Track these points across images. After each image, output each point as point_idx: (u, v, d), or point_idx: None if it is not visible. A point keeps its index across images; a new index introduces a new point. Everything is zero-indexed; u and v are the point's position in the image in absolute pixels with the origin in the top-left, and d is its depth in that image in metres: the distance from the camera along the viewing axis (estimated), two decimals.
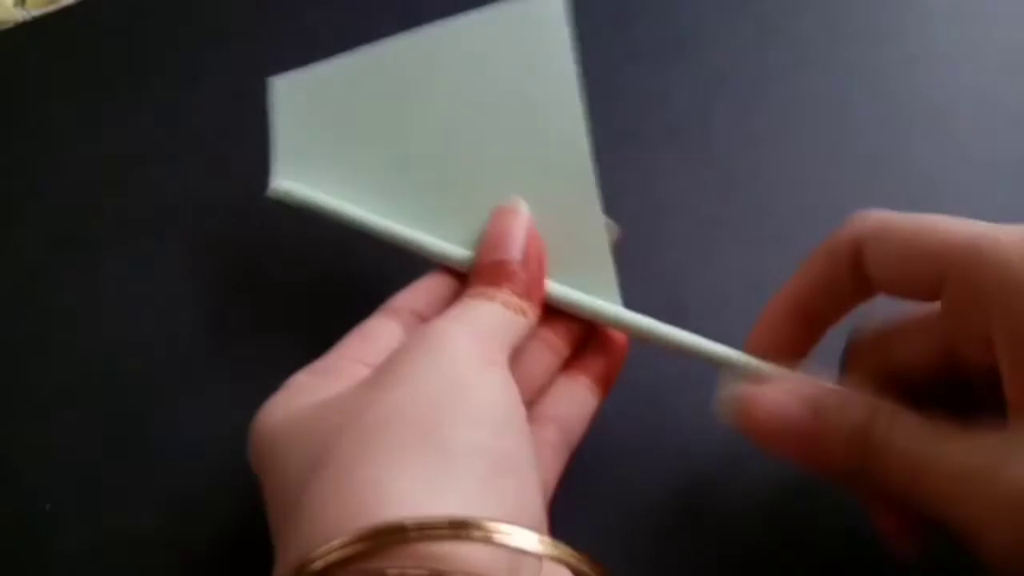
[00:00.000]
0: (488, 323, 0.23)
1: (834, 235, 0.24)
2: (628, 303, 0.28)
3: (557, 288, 0.25)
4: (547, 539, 0.18)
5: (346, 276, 0.32)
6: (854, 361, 0.24)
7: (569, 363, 0.26)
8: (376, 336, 0.24)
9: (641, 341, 0.25)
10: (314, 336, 0.30)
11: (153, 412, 0.30)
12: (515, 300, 0.24)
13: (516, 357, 0.25)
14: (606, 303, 0.25)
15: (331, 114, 0.27)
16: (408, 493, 0.18)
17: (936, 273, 0.21)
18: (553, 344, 0.26)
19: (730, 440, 0.24)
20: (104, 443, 0.29)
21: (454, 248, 0.26)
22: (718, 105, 0.34)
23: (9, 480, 0.28)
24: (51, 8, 0.40)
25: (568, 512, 0.23)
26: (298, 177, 0.28)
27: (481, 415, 0.20)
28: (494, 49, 0.25)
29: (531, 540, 0.18)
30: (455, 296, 0.25)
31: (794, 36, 0.36)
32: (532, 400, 0.25)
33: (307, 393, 0.22)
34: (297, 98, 0.28)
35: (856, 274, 0.23)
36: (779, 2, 0.37)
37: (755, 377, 0.24)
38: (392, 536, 0.17)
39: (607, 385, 0.26)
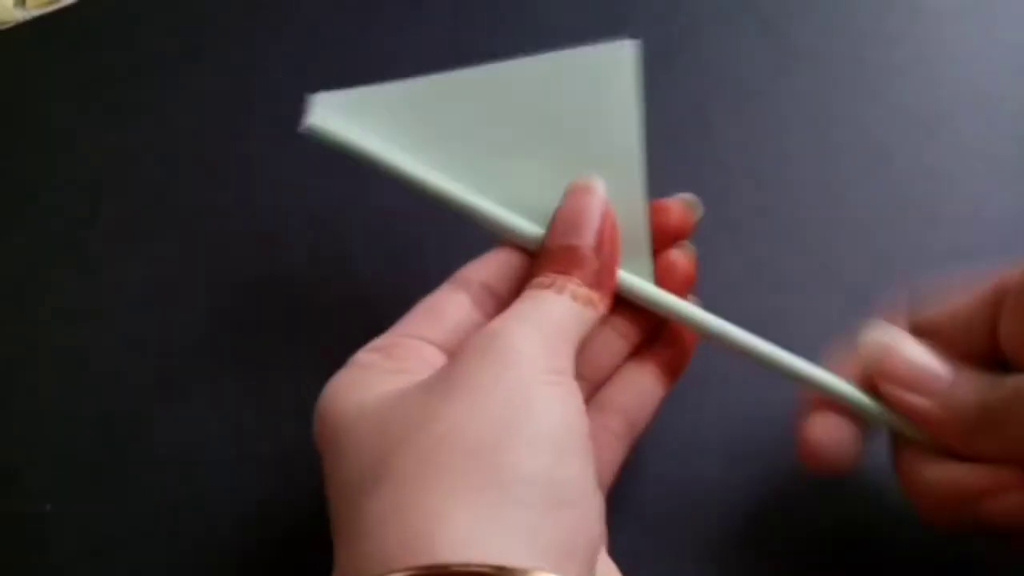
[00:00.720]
0: (556, 321, 0.22)
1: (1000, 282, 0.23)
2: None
3: (628, 278, 0.24)
4: None
5: (347, 275, 0.32)
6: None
7: (638, 350, 0.26)
8: (443, 311, 0.23)
9: (710, 342, 0.25)
10: (315, 336, 0.30)
11: (153, 412, 0.30)
12: (584, 291, 0.22)
13: (584, 343, 0.24)
14: (677, 299, 0.24)
15: (378, 125, 0.25)
16: (462, 529, 0.18)
17: None
18: (623, 330, 0.25)
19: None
20: (104, 443, 0.29)
21: (520, 220, 0.24)
22: (718, 105, 0.34)
23: (9, 480, 0.28)
24: (51, 8, 0.40)
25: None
26: (339, 122, 0.25)
27: (544, 438, 0.19)
28: (561, 89, 0.24)
29: None
30: (527, 272, 0.24)
31: (794, 36, 0.36)
32: (598, 386, 0.25)
33: (372, 376, 0.22)
34: (339, 113, 0.25)
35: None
36: (779, 2, 0.37)
37: (820, 389, 0.24)
38: None
39: (675, 375, 0.26)
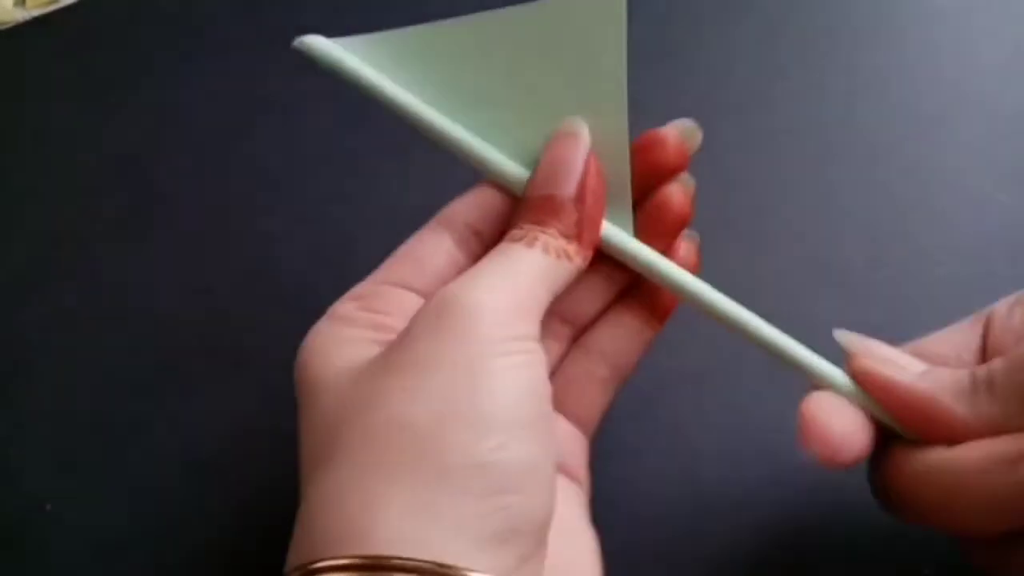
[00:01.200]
0: (524, 279, 0.21)
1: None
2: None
3: (613, 233, 0.23)
4: None
5: (347, 275, 0.32)
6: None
7: (625, 293, 0.25)
8: (425, 255, 0.22)
9: (689, 304, 0.24)
10: None
11: (153, 412, 0.29)
12: (559, 243, 0.21)
13: (567, 289, 0.23)
14: (662, 258, 0.23)
15: (369, 66, 0.25)
16: (399, 520, 0.17)
17: None
18: (608, 272, 0.24)
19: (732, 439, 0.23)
20: (104, 443, 0.29)
21: (507, 162, 0.23)
22: (718, 105, 0.34)
23: (9, 480, 0.28)
24: (50, 8, 0.40)
25: None
26: (333, 48, 0.25)
27: (488, 418, 0.19)
28: (550, 35, 0.23)
29: None
30: (511, 214, 0.23)
31: (794, 36, 0.36)
32: (583, 328, 0.24)
33: (346, 334, 0.21)
34: (332, 44, 0.25)
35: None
36: (779, 2, 0.37)
37: (800, 366, 0.23)
38: (381, 571, 0.17)
39: (662, 318, 0.25)
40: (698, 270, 0.24)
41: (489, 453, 0.18)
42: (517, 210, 0.23)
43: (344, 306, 0.22)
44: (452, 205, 0.23)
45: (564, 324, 0.25)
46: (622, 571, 0.21)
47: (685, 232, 0.24)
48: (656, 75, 0.36)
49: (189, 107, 0.36)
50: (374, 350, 0.21)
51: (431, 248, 0.23)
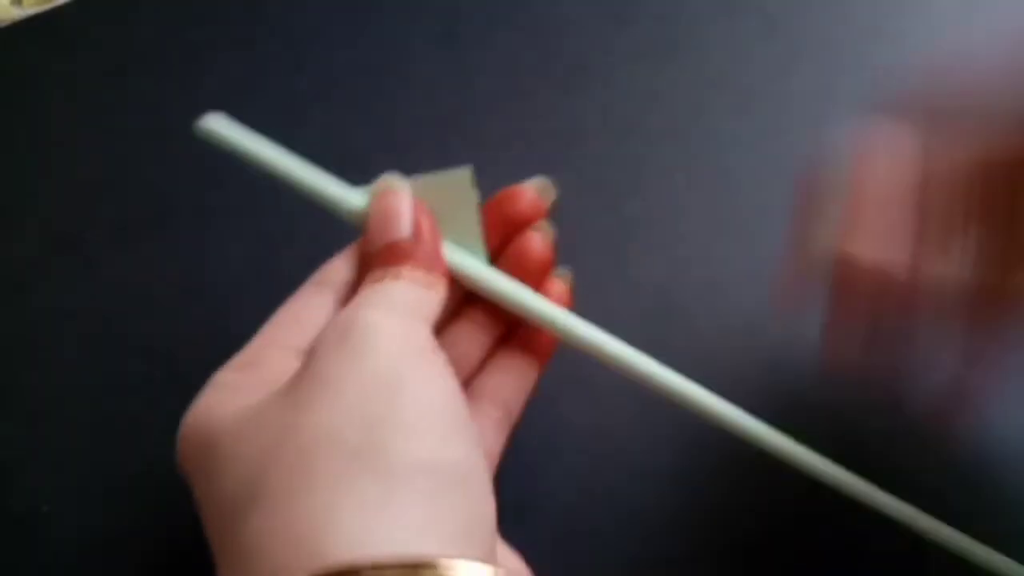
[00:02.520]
0: (404, 301, 0.21)
1: None
2: (627, 301, 0.28)
3: (459, 261, 0.24)
4: (499, 570, 0.18)
5: None
6: None
7: (505, 338, 0.26)
8: (304, 315, 0.23)
9: (555, 333, 0.24)
10: None
11: (153, 412, 0.29)
12: (420, 274, 0.22)
13: (448, 339, 0.24)
14: (509, 282, 0.24)
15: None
16: (351, 526, 0.17)
17: None
18: (483, 322, 0.25)
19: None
20: (104, 443, 0.29)
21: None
22: (718, 104, 0.34)
23: (8, 480, 0.28)
24: (47, 7, 0.39)
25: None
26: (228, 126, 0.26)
27: (421, 421, 0.19)
28: None
29: (483, 573, 0.17)
30: None
31: (793, 36, 0.36)
32: (470, 377, 0.25)
33: (233, 394, 0.21)
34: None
35: None
36: (779, 2, 0.37)
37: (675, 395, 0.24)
38: None
39: (546, 355, 0.26)
40: (552, 263, 0.25)
41: (432, 451, 0.18)
42: (366, 264, 0.23)
43: (225, 376, 0.22)
44: (328, 265, 0.24)
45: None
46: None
47: (556, 271, 0.25)
48: (656, 75, 0.36)
49: (186, 105, 0.36)
50: (266, 393, 0.20)
51: (311, 306, 0.23)
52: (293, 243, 0.33)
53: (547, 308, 0.24)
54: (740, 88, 0.35)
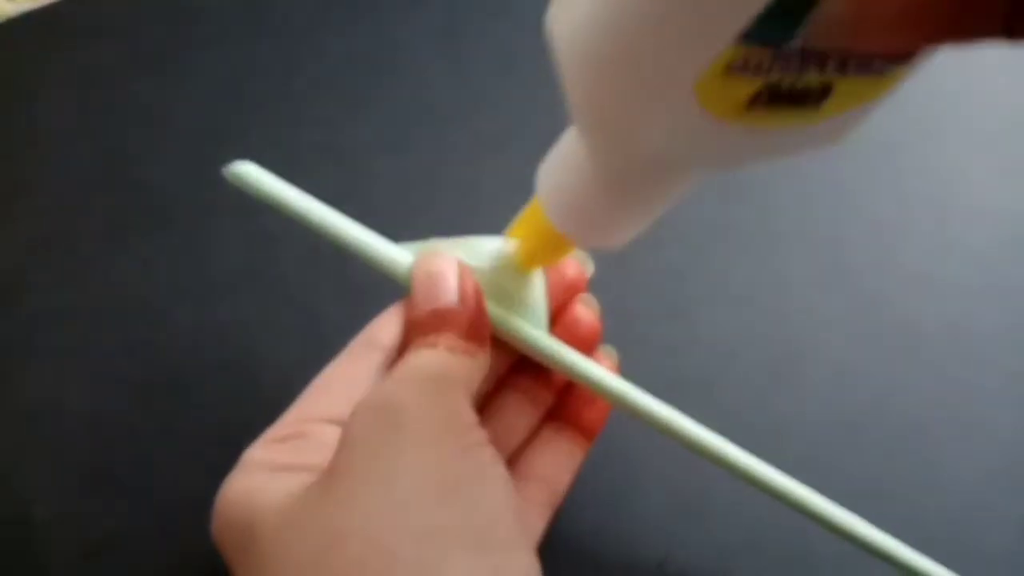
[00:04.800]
0: (441, 375, 0.20)
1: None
2: (629, 301, 0.28)
3: (505, 320, 0.23)
4: None
5: (347, 275, 0.32)
6: None
7: (552, 413, 0.25)
8: (347, 383, 0.21)
9: (616, 406, 0.24)
10: (313, 336, 0.30)
11: (152, 412, 0.29)
12: (460, 343, 0.21)
13: (494, 409, 0.24)
14: (574, 355, 0.23)
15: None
16: None
17: None
18: (532, 394, 0.24)
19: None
20: (103, 444, 0.29)
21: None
22: None
23: (8, 480, 0.28)
24: (42, 3, 0.39)
25: None
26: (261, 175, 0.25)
27: (484, 531, 0.17)
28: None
29: None
30: None
31: None
32: (514, 453, 0.24)
33: (273, 478, 0.19)
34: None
35: None
36: None
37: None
38: None
39: (592, 435, 0.25)
40: (599, 336, 0.25)
41: (493, 572, 0.17)
42: (407, 332, 0.22)
43: (258, 452, 0.21)
44: (376, 323, 0.23)
45: (496, 448, 0.24)
46: None
47: (602, 348, 0.25)
48: None
49: (185, 104, 0.36)
50: (305, 483, 0.19)
51: (356, 374, 0.22)
52: (290, 243, 0.32)
53: (607, 376, 0.23)
54: None
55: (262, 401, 0.29)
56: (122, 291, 0.32)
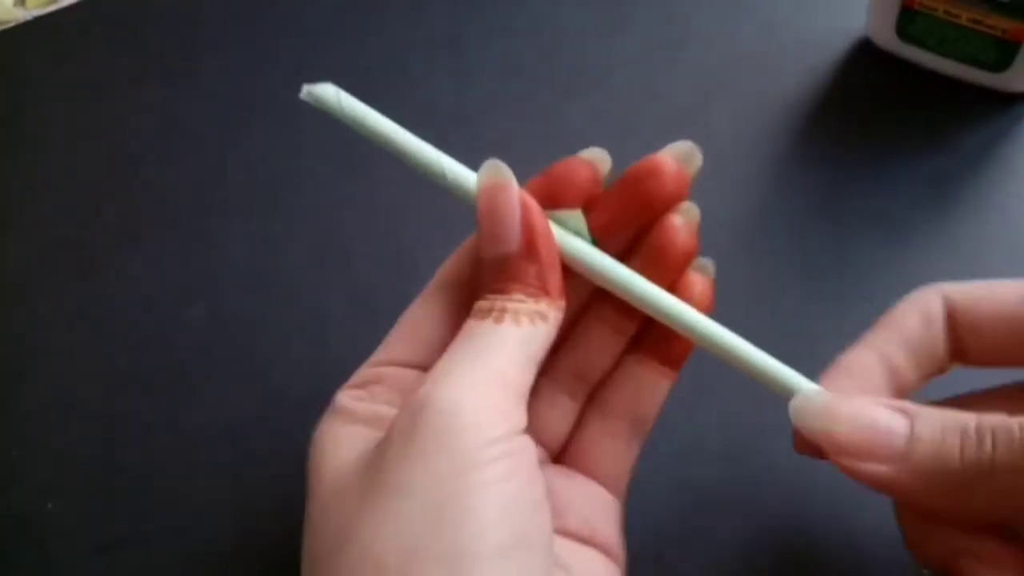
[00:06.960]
0: (502, 359, 0.19)
1: (920, 300, 0.21)
2: None
3: (583, 253, 0.21)
4: None
5: (347, 275, 0.32)
6: None
7: (637, 342, 0.23)
8: (427, 326, 0.21)
9: (696, 342, 0.22)
10: (315, 336, 0.30)
11: (153, 412, 0.30)
12: (528, 306, 0.20)
13: (574, 343, 0.22)
14: (641, 280, 0.21)
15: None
16: None
17: None
18: (615, 324, 0.23)
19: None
20: (104, 443, 0.29)
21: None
22: (717, 104, 0.34)
23: (9, 480, 0.28)
24: (51, 8, 0.40)
25: None
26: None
27: (467, 551, 0.17)
28: None
29: None
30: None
31: (792, 36, 0.36)
32: (596, 385, 0.23)
33: (347, 432, 0.20)
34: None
35: (953, 342, 0.21)
36: (777, 3, 0.37)
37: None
38: None
39: (679, 364, 0.23)
40: (713, 307, 0.22)
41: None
42: (478, 277, 0.21)
43: (345, 398, 0.21)
44: (446, 264, 0.22)
45: (578, 380, 0.23)
46: None
47: (696, 263, 0.22)
48: (657, 74, 0.36)
49: (189, 106, 0.36)
50: (371, 445, 0.19)
51: (432, 317, 0.21)
52: (294, 244, 0.33)
53: (688, 313, 0.21)
54: (740, 90, 0.35)
55: (268, 401, 0.29)
56: (128, 292, 0.32)
